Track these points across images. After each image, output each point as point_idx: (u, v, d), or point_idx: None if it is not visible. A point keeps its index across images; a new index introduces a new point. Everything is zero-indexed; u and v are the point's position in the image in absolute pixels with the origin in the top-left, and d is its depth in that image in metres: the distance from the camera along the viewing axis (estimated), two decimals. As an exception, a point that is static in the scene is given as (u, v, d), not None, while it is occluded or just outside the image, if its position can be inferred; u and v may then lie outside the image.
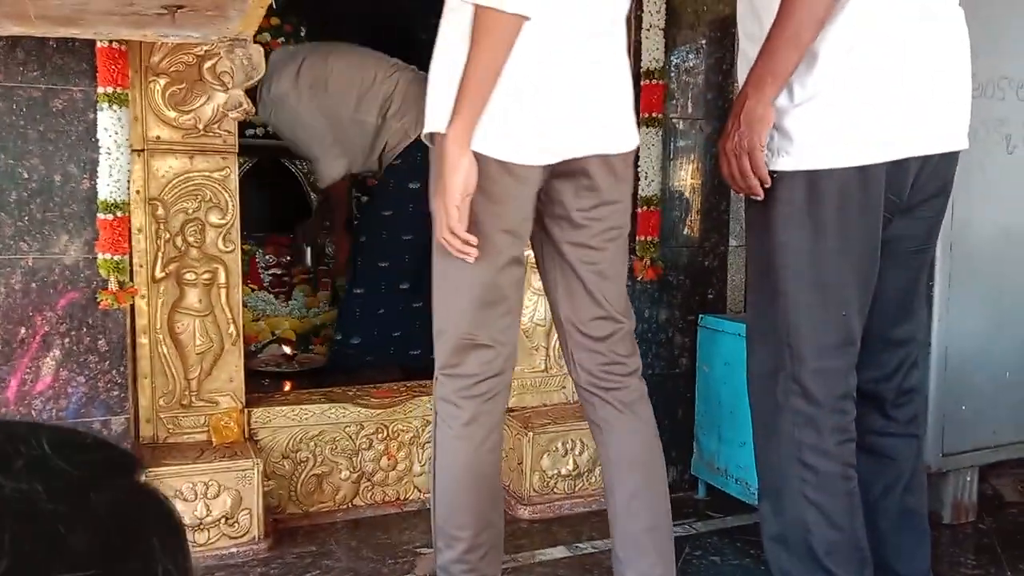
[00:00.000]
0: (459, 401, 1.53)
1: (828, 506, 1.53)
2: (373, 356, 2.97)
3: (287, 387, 2.78)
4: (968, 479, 2.29)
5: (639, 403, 1.64)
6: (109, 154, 1.87)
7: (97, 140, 1.86)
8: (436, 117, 1.43)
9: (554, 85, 1.41)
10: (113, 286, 1.90)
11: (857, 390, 1.57)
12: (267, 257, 3.97)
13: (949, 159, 1.55)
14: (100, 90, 1.84)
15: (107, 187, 1.87)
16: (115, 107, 1.86)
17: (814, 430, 1.53)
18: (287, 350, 3.20)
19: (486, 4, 1.26)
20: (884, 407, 1.67)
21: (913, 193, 1.54)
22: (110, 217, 1.88)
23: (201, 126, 2.11)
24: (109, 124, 1.86)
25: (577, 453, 2.44)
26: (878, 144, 1.46)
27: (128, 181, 1.93)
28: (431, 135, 1.47)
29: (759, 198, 1.52)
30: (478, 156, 1.38)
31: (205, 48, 2.06)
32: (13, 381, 1.84)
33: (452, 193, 1.36)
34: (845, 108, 1.46)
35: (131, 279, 1.99)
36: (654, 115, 2.38)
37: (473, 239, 1.39)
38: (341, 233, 3.47)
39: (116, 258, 1.90)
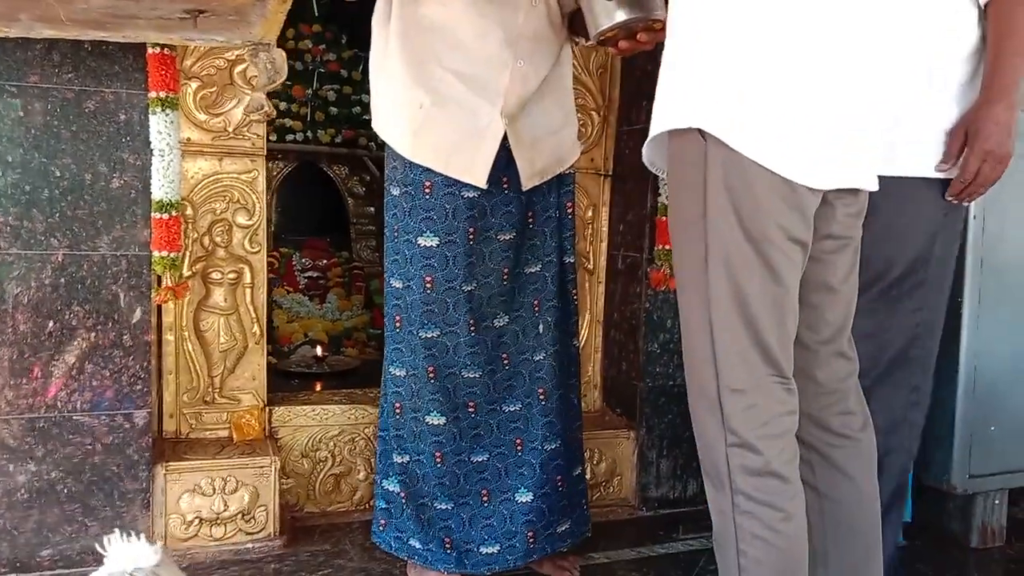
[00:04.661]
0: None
1: None
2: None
3: (317, 388, 2.82)
4: (996, 502, 2.23)
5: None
6: (163, 156, 1.93)
7: (126, 140, 1.92)
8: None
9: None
10: (168, 282, 1.96)
11: None
12: (304, 260, 4.04)
13: None
14: (152, 94, 1.90)
15: (161, 187, 1.93)
16: (167, 111, 1.92)
17: None
18: (319, 352, 3.24)
19: None
20: None
21: None
22: (165, 216, 1.94)
23: (231, 129, 2.16)
24: (162, 127, 1.92)
25: (595, 463, 2.43)
26: None
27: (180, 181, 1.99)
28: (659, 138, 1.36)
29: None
30: None
31: (236, 53, 2.11)
32: (40, 372, 1.89)
33: None
34: None
35: (181, 276, 2.04)
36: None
37: None
38: None
39: (172, 255, 1.95)
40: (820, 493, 1.44)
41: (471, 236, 1.81)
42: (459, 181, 1.77)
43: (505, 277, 1.88)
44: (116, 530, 1.07)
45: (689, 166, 1.32)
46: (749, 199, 1.27)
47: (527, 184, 1.84)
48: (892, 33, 1.34)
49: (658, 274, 2.33)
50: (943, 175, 1.62)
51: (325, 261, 3.91)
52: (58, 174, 1.89)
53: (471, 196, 1.78)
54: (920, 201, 1.63)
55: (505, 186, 1.83)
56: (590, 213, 2.56)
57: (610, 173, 2.56)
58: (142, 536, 1.10)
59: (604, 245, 2.59)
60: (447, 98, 1.75)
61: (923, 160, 1.62)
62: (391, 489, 1.93)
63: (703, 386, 1.34)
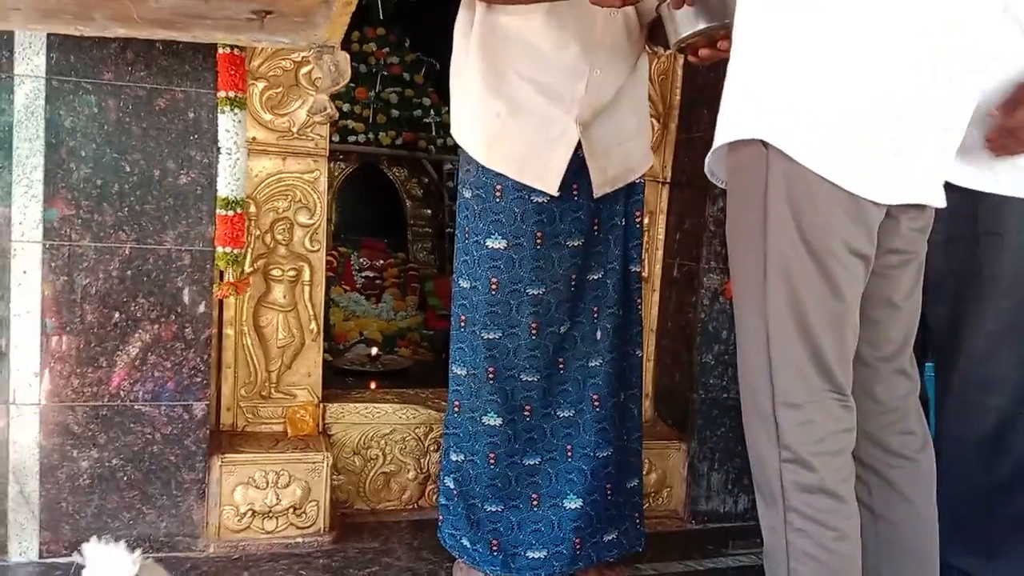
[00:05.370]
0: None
1: None
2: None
3: (371, 386, 2.85)
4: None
5: None
6: (230, 154, 1.96)
7: (195, 138, 1.97)
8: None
9: None
10: (230, 277, 2.00)
11: None
12: (361, 260, 4.09)
13: None
14: (221, 94, 1.94)
15: (227, 185, 1.96)
16: (235, 110, 1.96)
17: None
18: (373, 351, 3.28)
19: None
20: None
21: None
22: (229, 213, 1.97)
23: (295, 129, 2.20)
24: (230, 126, 1.95)
25: (645, 473, 2.40)
26: None
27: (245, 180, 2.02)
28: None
29: None
30: None
31: (302, 54, 2.15)
32: (105, 362, 1.95)
33: None
34: None
35: (242, 272, 2.07)
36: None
37: None
38: None
39: (235, 252, 1.99)
40: (876, 514, 1.41)
41: (539, 240, 1.83)
42: (529, 186, 1.79)
43: (573, 283, 1.90)
44: (95, 536, 1.04)
45: (750, 177, 1.30)
46: (811, 211, 1.25)
47: (598, 192, 1.85)
48: (967, 50, 1.30)
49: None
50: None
51: (382, 262, 3.97)
52: (128, 169, 1.94)
53: (540, 201, 1.81)
54: None
55: (575, 192, 1.84)
56: (646, 220, 2.52)
57: (668, 180, 2.53)
58: (122, 544, 1.05)
59: (660, 253, 2.56)
60: (522, 108, 1.77)
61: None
62: (450, 486, 1.95)
63: (758, 400, 1.32)
